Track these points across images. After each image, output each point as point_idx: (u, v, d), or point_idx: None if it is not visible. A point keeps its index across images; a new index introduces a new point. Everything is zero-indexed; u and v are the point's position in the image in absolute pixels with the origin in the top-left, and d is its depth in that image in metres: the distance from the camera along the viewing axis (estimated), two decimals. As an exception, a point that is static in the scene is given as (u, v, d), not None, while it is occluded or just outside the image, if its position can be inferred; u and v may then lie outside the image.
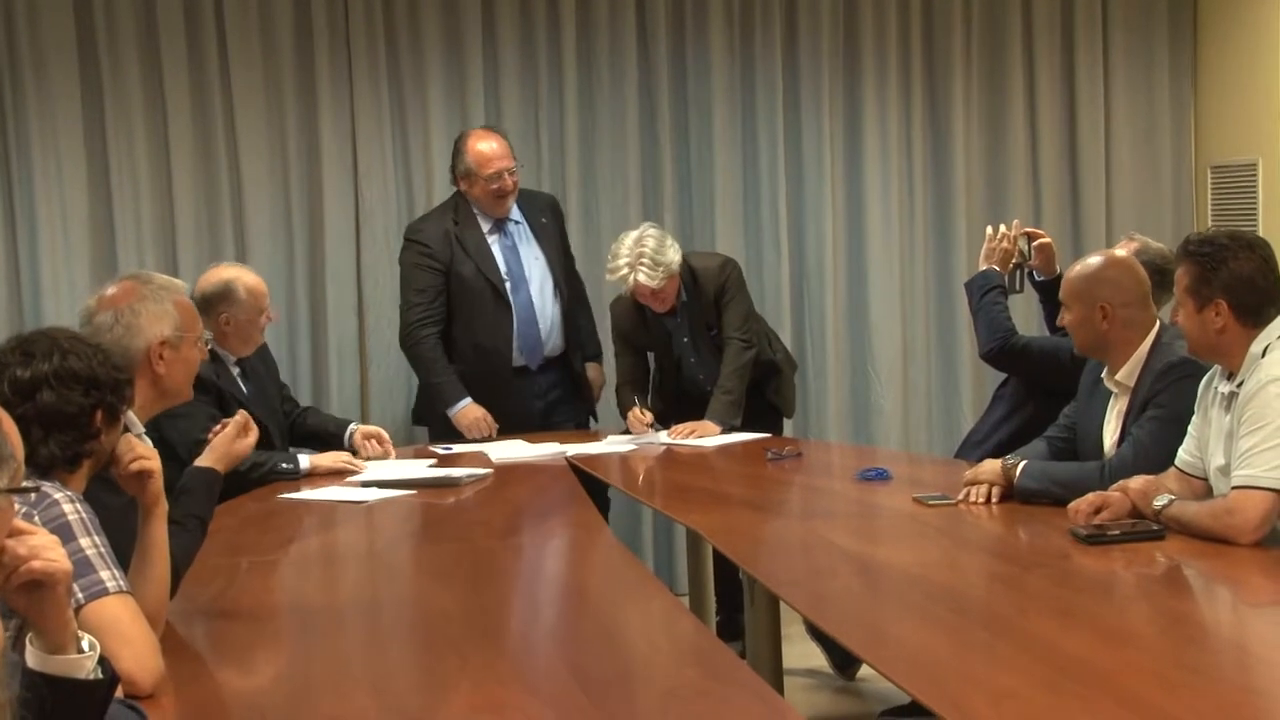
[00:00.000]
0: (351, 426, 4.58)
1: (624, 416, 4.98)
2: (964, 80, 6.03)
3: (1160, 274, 3.79)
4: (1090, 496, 3.16)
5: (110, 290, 2.93)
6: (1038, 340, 4.28)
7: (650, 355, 5.08)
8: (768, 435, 4.79)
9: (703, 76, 5.84)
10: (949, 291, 5.94)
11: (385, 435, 4.56)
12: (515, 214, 5.02)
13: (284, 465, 4.15)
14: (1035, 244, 4.37)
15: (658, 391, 5.09)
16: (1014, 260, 4.32)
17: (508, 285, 4.93)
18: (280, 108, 5.55)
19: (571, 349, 5.10)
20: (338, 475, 4.20)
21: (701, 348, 4.94)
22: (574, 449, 4.58)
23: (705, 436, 4.69)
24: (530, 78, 5.73)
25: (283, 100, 5.55)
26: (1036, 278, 4.38)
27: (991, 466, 3.53)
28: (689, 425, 4.75)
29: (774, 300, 5.84)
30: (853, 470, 4.01)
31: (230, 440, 2.98)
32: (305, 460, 4.18)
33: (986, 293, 4.26)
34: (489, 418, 4.85)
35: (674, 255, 4.76)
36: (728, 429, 4.76)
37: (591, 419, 5.25)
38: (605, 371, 5.32)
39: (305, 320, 5.62)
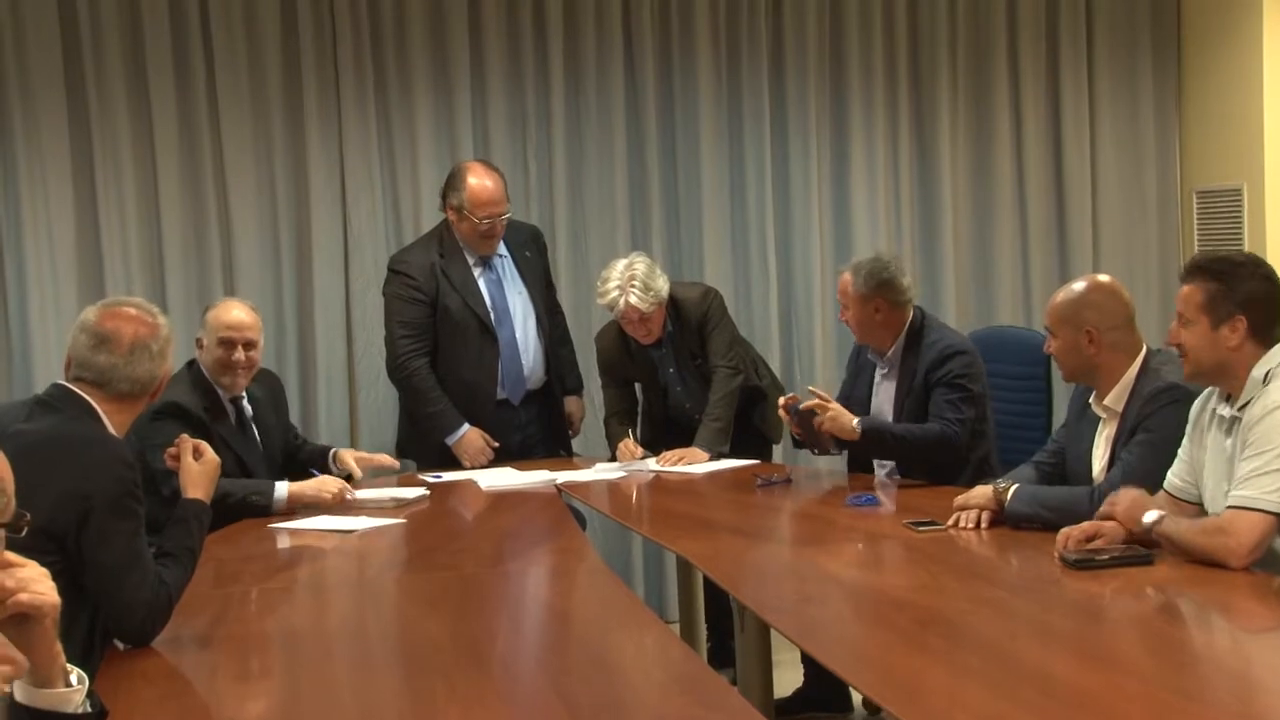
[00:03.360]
0: (333, 451, 4.56)
1: (612, 449, 4.98)
2: (950, 105, 6.06)
3: (887, 285, 4.13)
4: (1085, 525, 3.15)
5: (118, 314, 2.92)
6: (943, 406, 4.20)
7: (638, 386, 5.10)
8: (757, 462, 4.77)
9: (690, 103, 5.85)
10: (937, 315, 5.92)
11: (365, 459, 4.54)
12: (500, 247, 4.99)
13: (254, 497, 4.06)
14: (796, 415, 4.30)
15: (646, 418, 5.09)
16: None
17: (493, 320, 4.91)
18: (268, 136, 5.55)
19: (552, 382, 5.09)
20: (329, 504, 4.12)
21: (688, 377, 4.94)
22: (564, 476, 4.57)
23: (694, 463, 4.68)
24: (518, 106, 5.74)
25: (270, 128, 5.54)
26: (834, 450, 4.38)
27: (982, 491, 3.53)
28: (678, 452, 4.74)
29: (762, 326, 5.83)
30: (842, 496, 4.02)
31: (197, 469, 3.02)
32: (282, 489, 4.09)
33: (886, 431, 4.19)
34: (489, 443, 4.83)
35: (663, 284, 4.77)
36: (716, 456, 4.75)
37: (565, 452, 5.18)
38: (586, 404, 5.31)
39: (294, 347, 5.60)
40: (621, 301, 4.71)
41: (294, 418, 5.31)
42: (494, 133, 5.71)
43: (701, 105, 5.84)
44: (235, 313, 4.24)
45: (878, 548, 3.54)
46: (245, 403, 4.31)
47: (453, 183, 4.90)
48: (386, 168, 5.68)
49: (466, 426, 4.83)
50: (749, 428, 4.95)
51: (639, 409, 5.10)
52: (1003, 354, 4.73)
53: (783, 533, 3.99)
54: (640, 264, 4.76)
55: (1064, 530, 3.16)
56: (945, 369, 4.20)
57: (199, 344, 4.25)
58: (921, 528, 3.52)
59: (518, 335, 4.97)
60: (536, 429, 5.07)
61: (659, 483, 4.57)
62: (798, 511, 4.18)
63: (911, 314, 4.32)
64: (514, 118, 5.74)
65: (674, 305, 4.85)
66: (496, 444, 4.86)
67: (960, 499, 3.55)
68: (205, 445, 3.10)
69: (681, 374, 4.94)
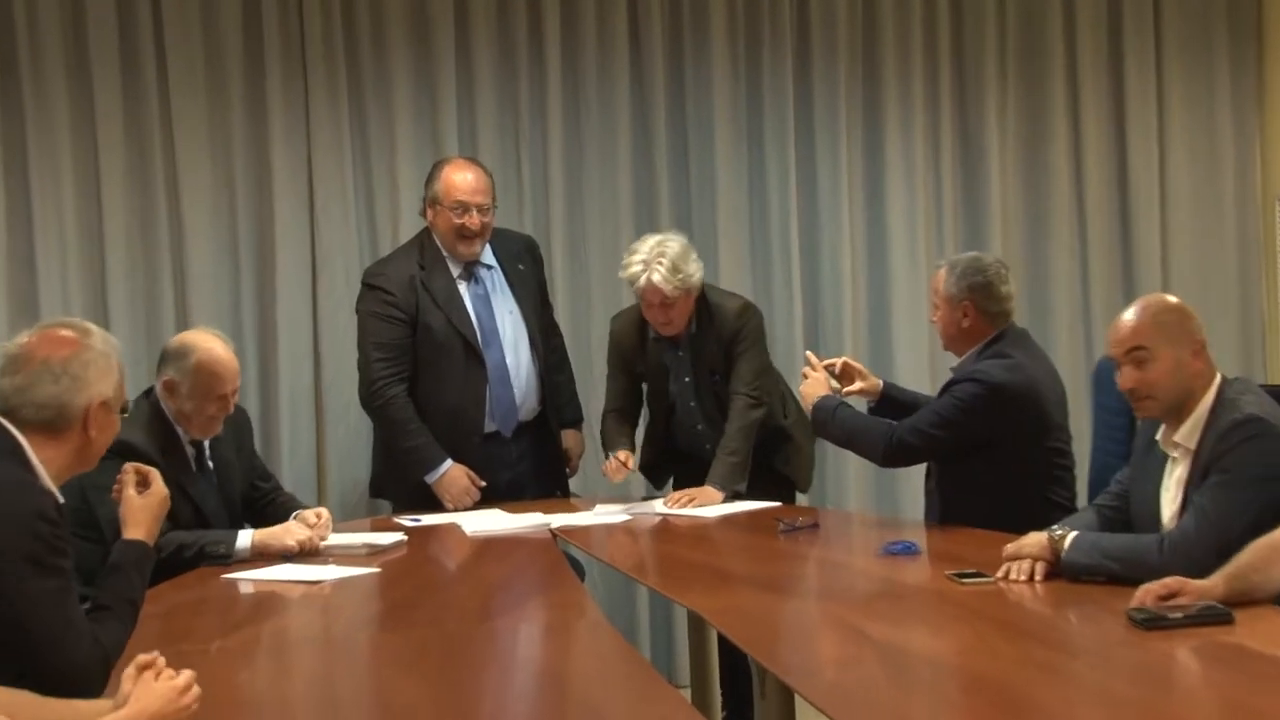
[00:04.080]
0: (296, 513, 4.38)
1: (605, 450, 5.01)
2: (998, 101, 6.11)
3: (982, 290, 4.24)
4: (1167, 581, 3.12)
5: (42, 335, 2.87)
6: (924, 412, 4.35)
7: (644, 393, 5.10)
8: (778, 504, 4.79)
9: (704, 96, 5.92)
10: None
11: (322, 515, 4.35)
12: (488, 257, 5.01)
13: (213, 548, 4.05)
14: (837, 370, 4.57)
15: (648, 439, 5.10)
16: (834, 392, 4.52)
17: (480, 340, 4.91)
18: (226, 132, 5.60)
19: (548, 413, 5.11)
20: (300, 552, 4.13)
21: (702, 393, 4.94)
22: (559, 520, 4.57)
23: (706, 505, 4.68)
24: (509, 101, 5.79)
25: (228, 124, 5.61)
26: (870, 405, 4.61)
27: (1035, 539, 3.51)
28: (688, 493, 4.74)
29: (785, 348, 5.84)
30: (876, 544, 4.02)
31: (140, 502, 2.97)
32: (245, 539, 4.09)
33: (836, 411, 4.42)
34: (475, 482, 4.85)
35: (695, 271, 4.78)
36: (732, 495, 4.76)
37: (561, 492, 5.21)
38: (586, 438, 5.35)
39: (254, 374, 5.60)
40: (644, 278, 4.71)
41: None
42: (482, 128, 5.76)
43: (716, 97, 5.89)
44: (220, 353, 4.21)
45: (917, 603, 3.52)
46: (205, 441, 4.30)
47: (430, 177, 4.97)
48: (360, 168, 5.72)
49: (449, 462, 4.84)
50: (769, 473, 4.96)
51: (638, 417, 5.12)
52: (1107, 385, 4.64)
53: (809, 585, 3.98)
54: (674, 243, 4.77)
55: (1144, 587, 3.14)
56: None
57: (168, 386, 4.18)
58: (967, 580, 3.49)
59: (508, 358, 4.96)
60: (529, 466, 5.07)
61: (668, 527, 4.58)
62: (826, 560, 4.18)
63: (1005, 328, 4.35)
64: (504, 111, 5.78)
65: (706, 308, 4.86)
66: (483, 483, 4.86)
67: (1011, 547, 3.53)
68: (154, 474, 3.04)
69: (696, 387, 4.94)
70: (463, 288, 4.94)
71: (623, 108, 5.84)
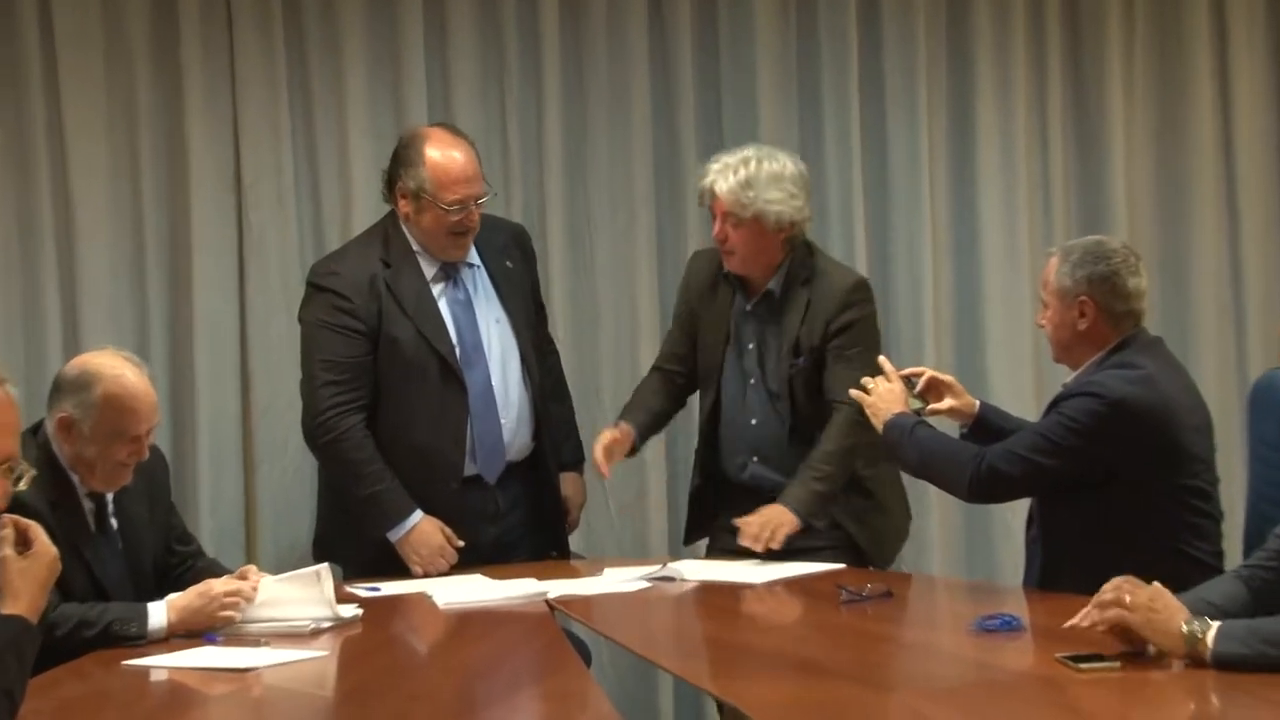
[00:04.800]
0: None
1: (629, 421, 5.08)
2: (1123, 51, 6.16)
3: (1103, 281, 4.24)
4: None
5: None
6: (1023, 435, 4.36)
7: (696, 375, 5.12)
8: (841, 567, 4.79)
9: (742, 48, 5.92)
10: None
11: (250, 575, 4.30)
12: (471, 254, 5.01)
13: (120, 627, 4.01)
14: (919, 386, 4.57)
15: (699, 465, 5.11)
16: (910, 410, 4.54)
17: (458, 357, 4.92)
18: (128, 94, 5.57)
19: (544, 452, 5.11)
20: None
21: (769, 378, 4.97)
22: (557, 587, 4.54)
23: (781, 530, 4.73)
24: (493, 49, 5.79)
25: (132, 83, 5.57)
26: (962, 430, 4.63)
27: (1154, 618, 3.46)
28: (758, 518, 4.76)
29: None
30: (966, 617, 3.98)
31: (20, 566, 2.96)
32: (159, 615, 4.06)
33: (913, 431, 4.43)
34: (452, 540, 4.84)
35: (780, 201, 4.85)
36: (804, 526, 4.78)
37: (559, 552, 5.19)
38: (588, 484, 5.33)
39: (165, 402, 5.41)
40: (707, 180, 4.84)
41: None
42: (458, 85, 5.78)
43: (759, 49, 5.90)
44: (132, 383, 4.19)
45: (1021, 696, 3.46)
46: (108, 494, 4.27)
47: (404, 157, 4.90)
48: (301, 138, 5.72)
49: (419, 514, 4.83)
50: (836, 529, 4.95)
51: (684, 395, 5.18)
52: (1267, 410, 4.71)
53: (880, 671, 3.88)
54: (776, 163, 4.88)
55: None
56: None
57: (64, 425, 4.15)
58: (1084, 665, 3.43)
59: (494, 381, 4.95)
60: (519, 518, 5.07)
61: (699, 597, 4.55)
62: (903, 639, 4.15)
63: (1133, 333, 4.35)
64: (488, 66, 5.78)
65: (807, 268, 4.93)
66: (460, 542, 4.85)
67: (1113, 614, 3.48)
68: (36, 529, 3.02)
69: (762, 363, 4.97)
70: (438, 290, 4.94)
71: (639, 59, 5.84)
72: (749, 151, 4.89)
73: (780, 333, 4.93)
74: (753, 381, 4.97)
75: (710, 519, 5.12)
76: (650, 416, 5.12)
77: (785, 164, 4.89)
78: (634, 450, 5.10)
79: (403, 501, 4.83)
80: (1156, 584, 3.48)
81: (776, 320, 4.94)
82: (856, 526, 4.96)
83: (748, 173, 4.80)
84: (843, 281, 4.95)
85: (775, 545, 4.71)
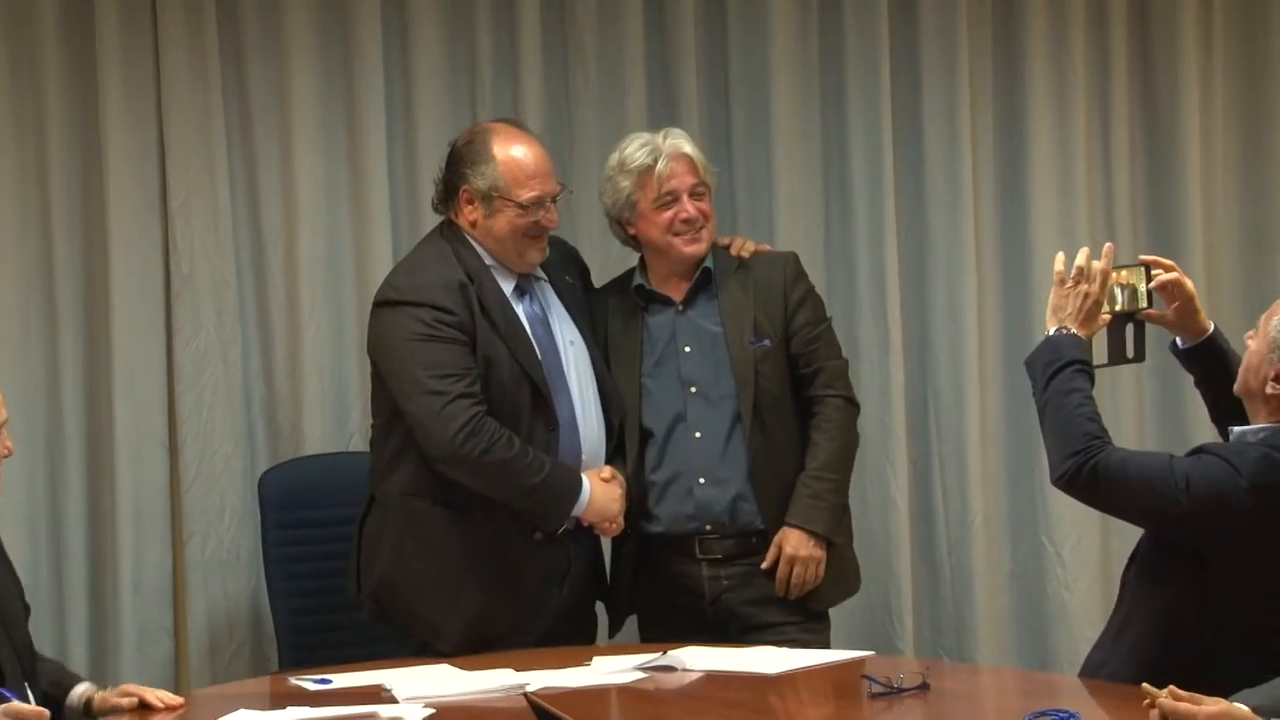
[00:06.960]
0: (82, 689, 4.10)
1: None
2: (1200, 43, 6.01)
3: None
4: None
5: None
6: (1152, 457, 4.09)
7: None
8: (870, 653, 4.68)
9: (756, 32, 5.78)
10: (1179, 398, 5.83)
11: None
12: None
13: None
14: (1156, 282, 4.22)
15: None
16: (1114, 310, 4.21)
17: (547, 384, 4.81)
18: (36, 97, 5.35)
19: None
20: None
21: (718, 373, 4.83)
22: (539, 679, 4.28)
23: (801, 561, 4.70)
24: (462, 44, 5.62)
25: (39, 85, 5.34)
26: (1180, 345, 4.32)
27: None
28: (783, 566, 4.72)
29: (878, 406, 5.78)
30: (1017, 713, 3.73)
31: None
32: None
33: (1057, 373, 4.09)
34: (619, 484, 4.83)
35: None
36: (824, 543, 4.73)
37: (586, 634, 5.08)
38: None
39: (77, 467, 5.37)
40: (664, 151, 4.79)
41: (70, 583, 5.33)
42: (421, 84, 5.57)
43: (775, 49, 5.76)
44: None
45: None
46: None
47: (468, 156, 4.81)
48: (238, 144, 5.52)
49: (587, 481, 4.78)
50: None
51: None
52: None
53: None
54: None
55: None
56: None
57: None
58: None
59: (576, 411, 4.83)
60: (582, 570, 4.94)
61: (705, 690, 4.33)
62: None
63: None
64: (455, 47, 5.63)
65: (720, 254, 4.93)
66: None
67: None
68: None
69: (706, 367, 4.83)
70: (520, 310, 4.82)
71: (635, 56, 5.70)
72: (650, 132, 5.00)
73: (729, 317, 4.86)
74: (694, 390, 4.86)
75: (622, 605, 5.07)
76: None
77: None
78: None
79: (571, 474, 4.76)
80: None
81: (717, 309, 4.89)
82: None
83: (681, 138, 4.89)
84: (777, 253, 5.04)
85: (817, 583, 4.74)
